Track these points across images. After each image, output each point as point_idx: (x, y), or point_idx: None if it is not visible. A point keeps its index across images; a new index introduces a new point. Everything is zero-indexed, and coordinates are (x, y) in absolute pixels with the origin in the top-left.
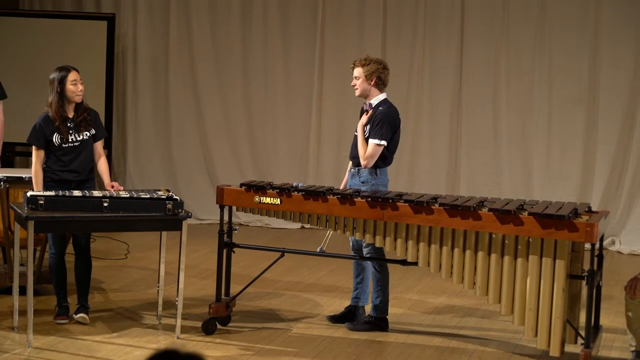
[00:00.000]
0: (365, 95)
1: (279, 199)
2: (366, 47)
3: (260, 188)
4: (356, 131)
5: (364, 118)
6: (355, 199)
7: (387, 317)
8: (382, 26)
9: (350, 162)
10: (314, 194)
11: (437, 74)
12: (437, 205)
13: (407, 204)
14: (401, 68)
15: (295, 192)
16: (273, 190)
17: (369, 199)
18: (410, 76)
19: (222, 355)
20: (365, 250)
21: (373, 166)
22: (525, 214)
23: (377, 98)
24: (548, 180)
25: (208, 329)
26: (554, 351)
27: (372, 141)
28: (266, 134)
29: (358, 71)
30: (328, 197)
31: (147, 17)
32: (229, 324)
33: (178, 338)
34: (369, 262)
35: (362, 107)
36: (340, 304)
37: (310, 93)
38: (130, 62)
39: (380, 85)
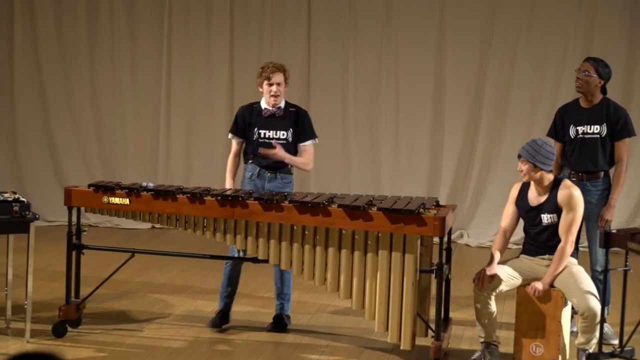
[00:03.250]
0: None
1: (128, 199)
2: (213, 46)
3: (108, 188)
4: (267, 138)
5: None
6: (205, 198)
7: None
8: (229, 24)
9: (259, 168)
10: (164, 193)
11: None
12: (287, 202)
13: (257, 202)
14: (249, 65)
15: (145, 192)
16: (122, 191)
17: (219, 198)
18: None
19: (73, 359)
20: None
21: (290, 166)
22: (375, 209)
23: (284, 101)
24: (396, 175)
25: (58, 331)
26: (405, 345)
27: (312, 142)
28: (114, 134)
29: (280, 77)
30: (178, 196)
31: None
32: (80, 327)
33: (28, 342)
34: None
35: (252, 111)
36: (192, 304)
37: (158, 92)
38: None
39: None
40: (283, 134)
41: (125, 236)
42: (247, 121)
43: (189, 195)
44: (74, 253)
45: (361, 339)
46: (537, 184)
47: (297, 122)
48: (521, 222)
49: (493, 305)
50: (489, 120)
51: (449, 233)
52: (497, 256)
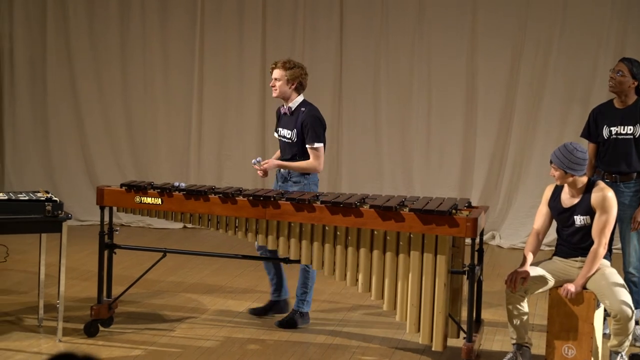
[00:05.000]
0: (283, 98)
1: (160, 199)
2: (245, 46)
3: (140, 188)
4: (281, 136)
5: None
6: (237, 198)
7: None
8: (261, 24)
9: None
10: (195, 193)
11: (316, 70)
12: (318, 202)
13: (288, 202)
14: None
15: (177, 192)
16: (154, 190)
17: (251, 198)
18: None
19: (105, 358)
20: None
21: None
22: (407, 210)
23: (296, 101)
24: (428, 177)
25: (90, 331)
26: (437, 346)
27: (314, 146)
28: (146, 133)
29: (279, 73)
30: (209, 196)
31: (24, 16)
32: (112, 326)
33: (60, 341)
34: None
35: (279, 110)
36: (224, 304)
37: (190, 92)
38: (7, 62)
39: (300, 89)
40: (288, 133)
41: (157, 236)
42: (277, 119)
43: (220, 195)
44: (106, 252)
45: (393, 339)
46: (571, 187)
47: (302, 123)
48: (554, 224)
49: (525, 307)
50: (520, 123)
51: (481, 234)
52: (530, 257)
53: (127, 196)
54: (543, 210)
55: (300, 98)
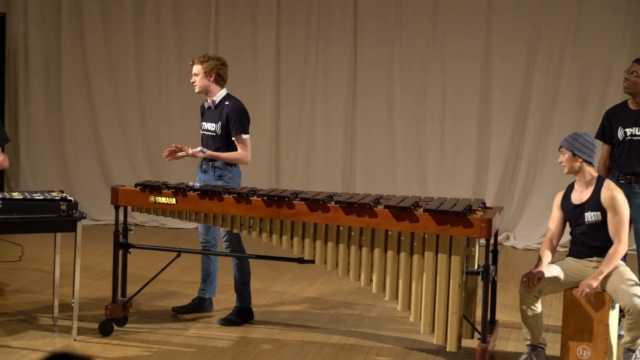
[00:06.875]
0: (205, 92)
1: (174, 199)
2: (259, 47)
3: (155, 188)
4: (205, 129)
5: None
6: (251, 198)
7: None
8: (275, 26)
9: (202, 160)
10: (210, 193)
11: (331, 71)
12: (333, 203)
13: (303, 202)
14: (295, 66)
15: (191, 192)
16: (168, 190)
17: (265, 198)
18: (304, 73)
19: (119, 357)
20: (225, 244)
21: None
22: (421, 210)
23: (219, 94)
24: (442, 178)
25: (105, 330)
26: (451, 346)
27: (242, 137)
28: (161, 132)
29: (197, 68)
30: (224, 196)
31: (38, 16)
32: (126, 325)
33: (74, 340)
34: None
35: (203, 105)
36: (234, 303)
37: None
38: (22, 62)
39: (220, 81)
40: (212, 126)
41: (172, 235)
42: (202, 114)
43: (235, 195)
44: (120, 252)
45: (407, 340)
46: (579, 178)
47: (227, 115)
48: (567, 229)
49: (539, 308)
50: (535, 126)
51: (496, 235)
52: (546, 258)
53: (142, 196)
54: (555, 215)
55: (223, 92)
